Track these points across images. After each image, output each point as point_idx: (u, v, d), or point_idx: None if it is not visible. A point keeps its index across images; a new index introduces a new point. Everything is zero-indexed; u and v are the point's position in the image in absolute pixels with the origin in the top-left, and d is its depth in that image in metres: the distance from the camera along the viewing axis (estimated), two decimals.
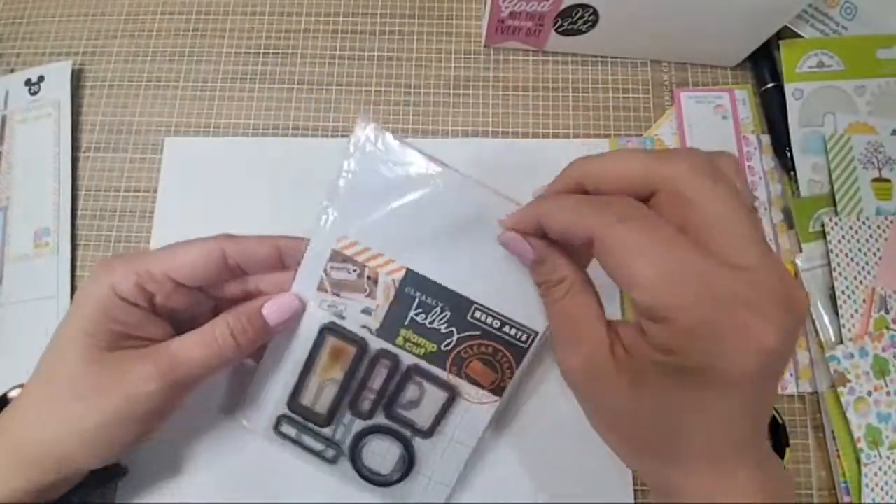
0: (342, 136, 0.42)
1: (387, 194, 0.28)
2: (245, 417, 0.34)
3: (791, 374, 0.37)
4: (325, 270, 0.30)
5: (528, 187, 0.40)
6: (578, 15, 0.39)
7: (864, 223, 0.38)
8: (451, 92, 0.43)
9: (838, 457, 0.36)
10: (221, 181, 0.41)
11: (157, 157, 0.41)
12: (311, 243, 0.30)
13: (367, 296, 0.30)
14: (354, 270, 0.29)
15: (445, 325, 0.30)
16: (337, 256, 0.29)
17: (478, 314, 0.29)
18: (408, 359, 0.30)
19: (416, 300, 0.29)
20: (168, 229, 0.40)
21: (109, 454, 0.28)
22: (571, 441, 0.36)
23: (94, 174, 0.42)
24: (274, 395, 0.32)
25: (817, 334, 0.37)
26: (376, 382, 0.31)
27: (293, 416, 0.32)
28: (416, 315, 0.30)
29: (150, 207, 0.40)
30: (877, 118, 0.41)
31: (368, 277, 0.29)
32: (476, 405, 0.31)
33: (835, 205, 0.39)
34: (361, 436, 0.32)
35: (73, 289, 0.39)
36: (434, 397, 0.31)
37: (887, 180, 0.40)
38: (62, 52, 0.44)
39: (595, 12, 0.38)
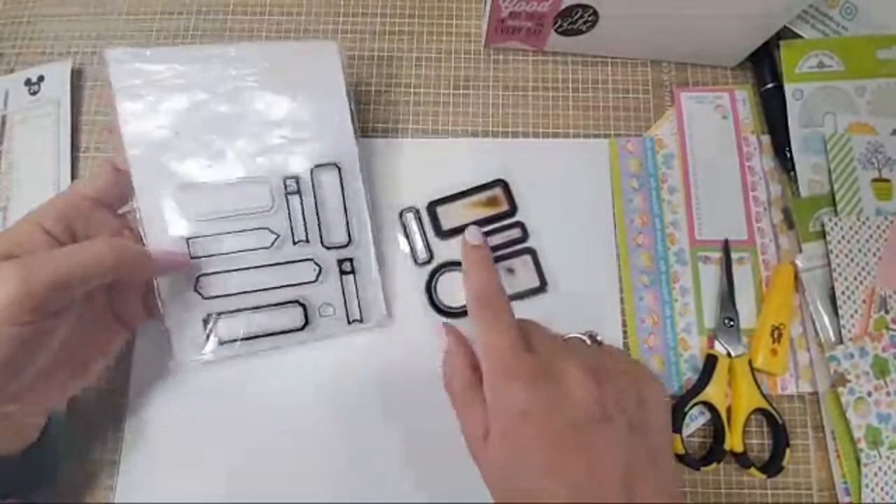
0: None
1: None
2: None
3: (791, 375, 0.37)
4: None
5: (528, 188, 0.40)
6: (578, 15, 0.39)
7: (864, 223, 0.38)
8: (451, 92, 0.43)
9: (838, 457, 0.36)
10: None
11: None
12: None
13: None
14: None
15: None
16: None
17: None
18: None
19: None
20: None
21: None
22: None
23: None
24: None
25: (817, 334, 0.37)
26: None
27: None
28: None
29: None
30: (877, 118, 0.41)
31: None
32: None
33: (835, 205, 0.39)
34: None
35: None
36: None
37: (887, 180, 0.40)
38: (62, 52, 0.44)
39: (595, 12, 0.38)
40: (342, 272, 0.36)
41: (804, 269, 0.38)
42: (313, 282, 0.36)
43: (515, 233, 0.39)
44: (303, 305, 0.36)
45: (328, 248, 0.36)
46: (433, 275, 0.38)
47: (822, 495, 0.36)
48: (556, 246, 0.39)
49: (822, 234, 0.39)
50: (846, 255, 0.38)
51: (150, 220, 0.34)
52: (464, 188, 0.40)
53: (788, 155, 0.40)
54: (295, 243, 0.36)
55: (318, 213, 0.36)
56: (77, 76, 0.43)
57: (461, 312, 0.38)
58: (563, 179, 0.41)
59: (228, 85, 0.35)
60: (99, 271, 0.28)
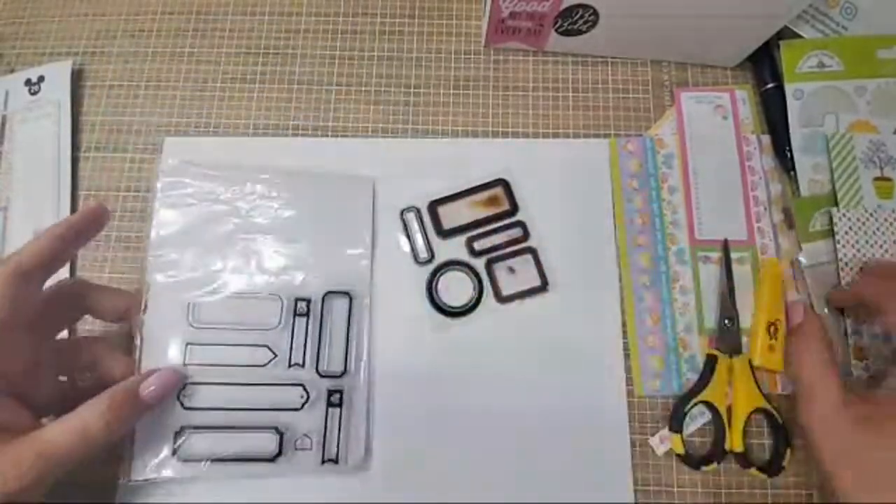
0: (342, 136, 0.42)
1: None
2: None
3: None
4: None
5: (529, 188, 0.40)
6: (578, 15, 0.39)
7: (871, 215, 0.38)
8: (451, 92, 0.43)
9: None
10: None
11: (156, 157, 0.41)
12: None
13: None
14: None
15: None
16: None
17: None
18: None
19: None
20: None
21: None
22: (571, 441, 0.36)
23: (94, 174, 0.41)
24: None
25: None
26: None
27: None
28: None
29: (149, 207, 0.40)
30: (877, 118, 0.41)
31: None
32: None
33: (836, 204, 0.39)
34: None
35: None
36: None
37: (889, 179, 0.40)
38: (62, 52, 0.44)
39: (595, 12, 0.38)
40: (330, 403, 0.35)
41: (806, 267, 0.38)
42: (297, 409, 0.34)
43: (516, 232, 0.39)
44: (280, 434, 0.34)
45: (322, 375, 0.35)
46: (434, 274, 0.38)
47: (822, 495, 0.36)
48: (557, 245, 0.39)
49: (823, 234, 0.39)
50: (853, 247, 0.38)
51: (156, 325, 0.34)
52: (465, 188, 0.40)
53: (788, 155, 0.40)
54: (290, 366, 0.35)
55: (320, 339, 0.36)
56: (77, 76, 0.43)
57: (461, 312, 0.38)
58: (563, 179, 0.41)
59: (257, 202, 0.38)
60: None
